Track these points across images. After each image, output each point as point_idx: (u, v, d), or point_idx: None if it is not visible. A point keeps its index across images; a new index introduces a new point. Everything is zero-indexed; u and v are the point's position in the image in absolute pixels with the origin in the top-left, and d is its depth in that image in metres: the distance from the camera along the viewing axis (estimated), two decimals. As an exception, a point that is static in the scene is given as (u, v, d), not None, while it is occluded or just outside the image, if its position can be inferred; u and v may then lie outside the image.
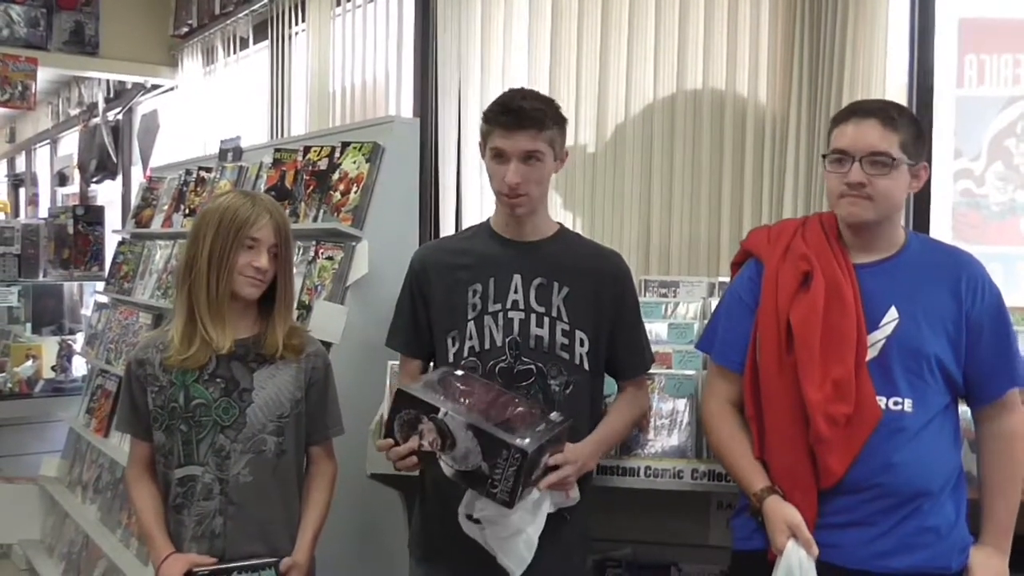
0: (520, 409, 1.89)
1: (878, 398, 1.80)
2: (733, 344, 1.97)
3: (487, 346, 2.03)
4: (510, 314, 2.04)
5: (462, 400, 1.86)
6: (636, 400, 2.16)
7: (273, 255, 2.03)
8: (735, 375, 1.97)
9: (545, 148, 1.99)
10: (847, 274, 1.87)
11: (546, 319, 2.03)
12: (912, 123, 1.87)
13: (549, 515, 1.92)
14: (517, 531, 1.85)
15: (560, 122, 2.04)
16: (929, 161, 2.77)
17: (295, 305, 2.16)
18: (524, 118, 1.96)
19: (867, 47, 2.75)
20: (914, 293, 1.85)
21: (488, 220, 2.18)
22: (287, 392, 2.07)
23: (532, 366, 2.02)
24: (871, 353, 1.83)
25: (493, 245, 2.11)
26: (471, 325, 2.05)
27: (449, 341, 2.07)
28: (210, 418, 2.02)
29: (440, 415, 1.80)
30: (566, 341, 2.03)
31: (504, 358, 2.02)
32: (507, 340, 2.03)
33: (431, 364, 2.17)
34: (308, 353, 2.12)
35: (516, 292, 2.05)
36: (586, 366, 2.05)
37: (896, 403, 1.81)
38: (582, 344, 2.04)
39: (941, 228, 2.95)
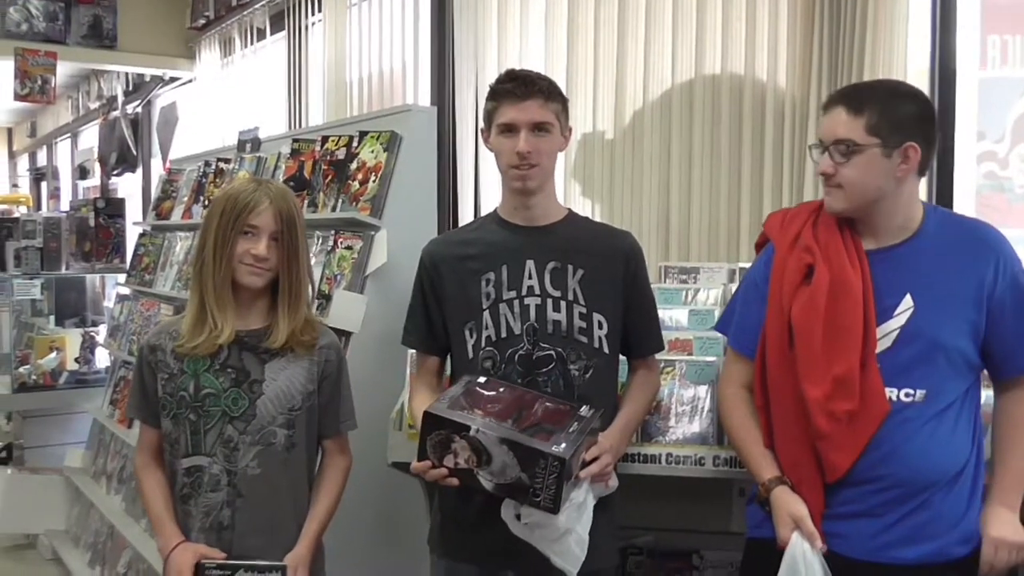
0: (548, 406, 1.88)
1: (888, 390, 1.76)
2: (747, 330, 1.95)
3: (504, 334, 2.02)
4: (526, 300, 2.02)
5: (489, 407, 1.84)
6: (650, 381, 2.14)
7: (274, 242, 1.98)
8: (750, 361, 1.95)
9: (553, 119, 2.00)
10: (857, 264, 1.81)
11: (563, 303, 2.02)
12: (886, 103, 1.77)
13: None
14: (567, 531, 1.83)
15: (563, 98, 2.05)
16: (950, 141, 2.79)
17: (309, 295, 2.10)
18: (532, 84, 1.99)
19: (888, 28, 2.71)
20: (931, 278, 1.79)
21: (495, 210, 2.16)
22: (299, 385, 2.03)
23: (551, 352, 2.00)
24: (883, 344, 1.78)
25: (502, 233, 2.09)
26: (486, 315, 2.03)
27: (466, 333, 2.05)
28: (219, 408, 1.99)
29: (472, 432, 1.77)
30: (584, 324, 2.01)
31: (522, 345, 2.00)
32: (525, 327, 2.01)
33: (448, 358, 2.16)
34: (321, 346, 2.07)
35: (531, 278, 2.03)
36: (605, 349, 2.03)
37: (908, 395, 1.76)
38: (600, 326, 2.02)
39: (965, 211, 2.91)
